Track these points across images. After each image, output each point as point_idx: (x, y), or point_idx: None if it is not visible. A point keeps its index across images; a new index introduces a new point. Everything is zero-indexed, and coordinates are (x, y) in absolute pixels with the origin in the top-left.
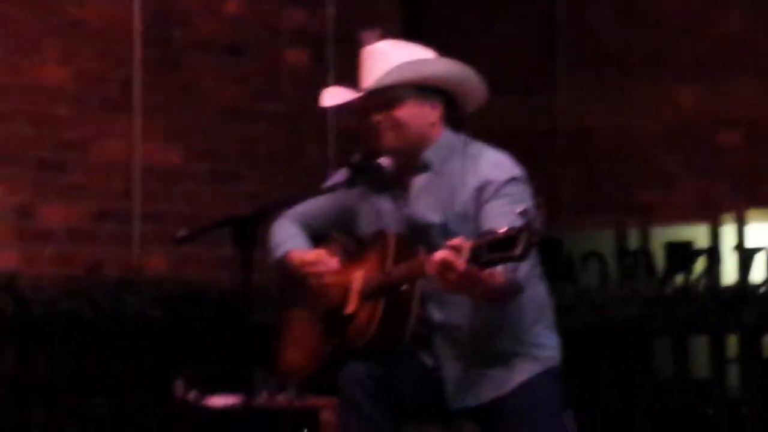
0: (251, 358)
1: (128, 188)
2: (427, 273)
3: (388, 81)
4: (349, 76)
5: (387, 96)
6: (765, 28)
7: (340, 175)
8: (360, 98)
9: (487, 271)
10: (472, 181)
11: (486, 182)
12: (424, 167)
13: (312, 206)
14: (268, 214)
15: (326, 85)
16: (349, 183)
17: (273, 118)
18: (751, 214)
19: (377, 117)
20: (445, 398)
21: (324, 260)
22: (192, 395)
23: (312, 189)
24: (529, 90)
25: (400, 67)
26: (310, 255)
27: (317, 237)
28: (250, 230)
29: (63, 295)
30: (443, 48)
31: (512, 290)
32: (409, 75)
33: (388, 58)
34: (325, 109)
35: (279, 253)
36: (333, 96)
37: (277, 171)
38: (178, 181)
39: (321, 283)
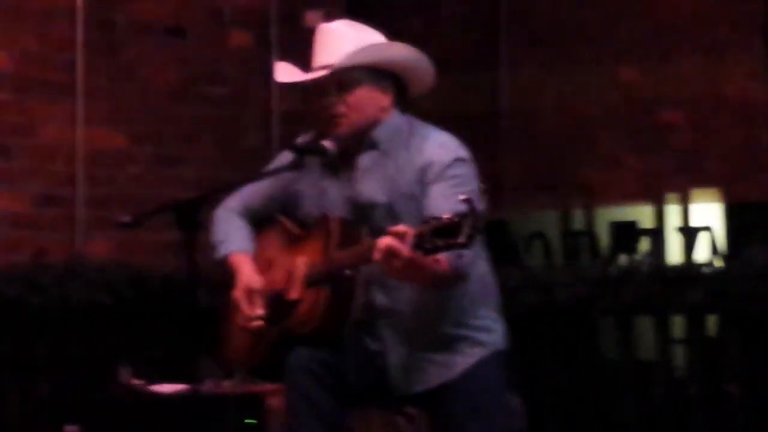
0: (197, 344)
1: (72, 173)
2: (371, 260)
3: (350, 62)
4: (292, 57)
5: (343, 78)
6: (708, 5)
7: (283, 158)
8: (319, 78)
9: (432, 258)
10: (418, 162)
11: (430, 163)
12: (371, 145)
13: (255, 190)
14: (211, 197)
15: (269, 66)
16: (292, 165)
17: (216, 101)
18: (695, 193)
19: (330, 99)
20: (390, 383)
21: (254, 300)
22: (137, 381)
23: (256, 172)
24: (471, 69)
25: (363, 49)
26: (244, 281)
27: (262, 220)
28: (194, 214)
29: (7, 281)
30: (385, 27)
31: (456, 277)
32: (369, 58)
33: (343, 38)
34: (268, 92)
35: (221, 253)
36: (286, 72)
37: (220, 154)
38: (122, 165)
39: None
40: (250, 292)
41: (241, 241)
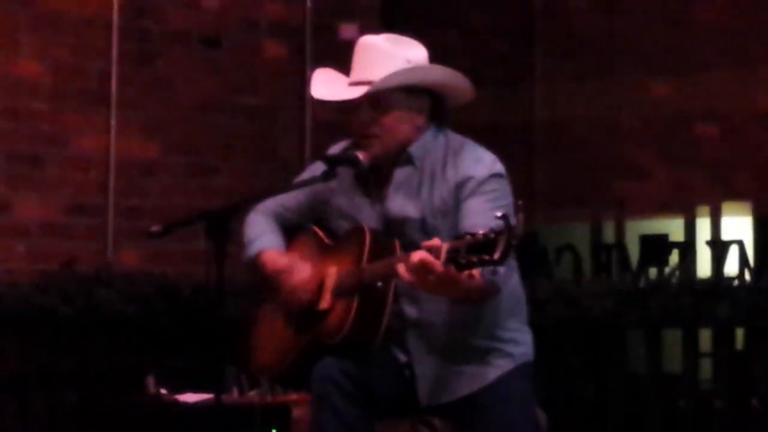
0: (224, 354)
1: (104, 182)
2: (404, 273)
3: (387, 84)
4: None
5: (379, 99)
6: (741, 20)
7: (315, 168)
8: (357, 98)
9: (466, 273)
10: (453, 177)
11: (466, 178)
12: (407, 161)
13: (288, 197)
14: (241, 208)
15: (303, 77)
16: (325, 176)
17: (249, 112)
18: (726, 207)
19: (365, 120)
20: (417, 394)
21: (296, 268)
22: (164, 391)
23: (288, 182)
24: (505, 81)
25: (401, 72)
26: (282, 262)
27: (293, 228)
28: (224, 225)
29: (37, 290)
30: (419, 39)
31: (491, 291)
32: (407, 80)
33: (384, 55)
34: (302, 103)
35: (252, 251)
36: (323, 87)
37: (253, 164)
38: (154, 174)
39: (292, 290)
40: (294, 265)
41: (273, 241)
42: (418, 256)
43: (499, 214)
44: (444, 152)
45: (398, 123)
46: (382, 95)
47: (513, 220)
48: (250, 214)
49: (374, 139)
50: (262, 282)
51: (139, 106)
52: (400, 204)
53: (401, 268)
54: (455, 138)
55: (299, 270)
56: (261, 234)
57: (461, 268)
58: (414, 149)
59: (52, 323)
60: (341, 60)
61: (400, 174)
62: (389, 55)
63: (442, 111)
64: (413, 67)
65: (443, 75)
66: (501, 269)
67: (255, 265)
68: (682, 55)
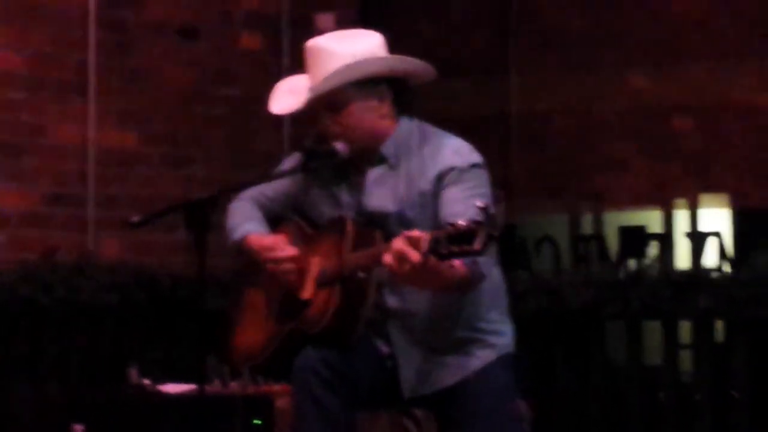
0: (205, 345)
1: (83, 172)
2: (383, 263)
3: (327, 86)
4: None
5: (331, 101)
6: (719, 12)
7: (294, 159)
8: (304, 106)
9: (447, 264)
10: (432, 169)
11: (445, 169)
12: (380, 160)
13: (268, 188)
14: (221, 198)
15: (281, 68)
16: (303, 167)
17: (227, 102)
18: (704, 199)
19: (325, 122)
20: (399, 386)
21: (281, 246)
22: (146, 382)
23: (266, 173)
24: (481, 73)
25: (339, 71)
26: (268, 240)
27: (275, 219)
28: (204, 215)
29: (17, 280)
30: (396, 30)
31: (471, 283)
32: (348, 77)
33: (329, 56)
34: None
35: (236, 235)
36: (279, 101)
37: (231, 155)
38: (133, 165)
39: (278, 268)
40: (277, 243)
41: (257, 226)
42: (397, 245)
43: (480, 204)
44: (419, 144)
45: (358, 117)
46: (332, 96)
47: (493, 210)
48: (233, 203)
49: (339, 137)
50: (246, 268)
51: (117, 96)
52: (377, 200)
53: (385, 256)
54: (429, 129)
55: (285, 248)
56: (246, 220)
57: (442, 258)
58: (386, 148)
59: (33, 313)
60: None
61: (374, 173)
62: (332, 55)
63: (406, 93)
64: (354, 62)
65: (386, 64)
66: (482, 259)
67: (240, 249)
68: (660, 47)
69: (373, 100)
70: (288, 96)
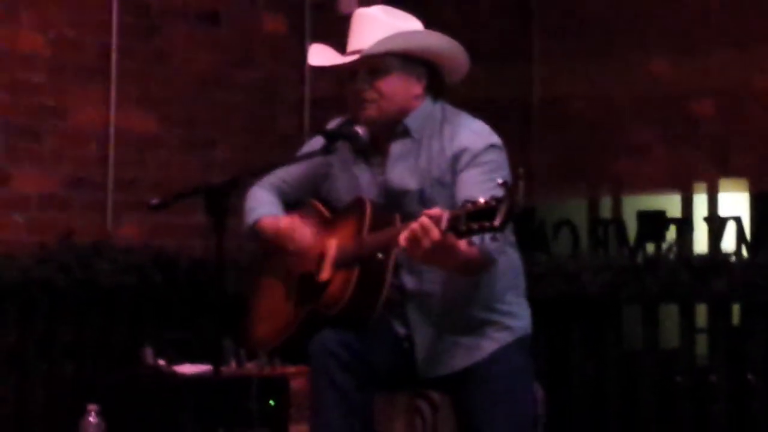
0: (221, 327)
1: (103, 155)
2: (401, 241)
3: (381, 48)
4: (325, 43)
5: (376, 64)
6: None
7: (315, 142)
8: (350, 62)
9: (464, 241)
10: (450, 149)
11: (463, 149)
12: (403, 133)
13: (288, 173)
14: (241, 182)
15: (303, 52)
16: (324, 150)
17: (248, 86)
18: (723, 183)
19: (361, 86)
20: (416, 367)
21: (297, 228)
22: (162, 362)
23: (287, 157)
24: (503, 59)
25: (395, 36)
26: (284, 222)
27: (293, 203)
28: (223, 199)
29: (36, 262)
30: (418, 15)
31: (485, 263)
32: (402, 45)
33: (378, 24)
34: (301, 77)
35: (252, 219)
36: (320, 55)
37: (251, 138)
38: (153, 148)
39: (294, 250)
40: (293, 224)
41: (273, 210)
42: (419, 221)
43: (500, 181)
44: (441, 124)
45: (395, 88)
46: (378, 60)
47: (514, 189)
48: (253, 188)
49: (371, 103)
50: (263, 251)
51: (139, 79)
52: (399, 176)
53: (402, 237)
54: (451, 110)
55: (301, 230)
56: (262, 204)
57: (461, 235)
58: (410, 120)
59: (50, 295)
60: (340, 34)
61: (397, 146)
62: (384, 24)
63: (440, 84)
64: (407, 31)
65: (439, 41)
66: (496, 240)
67: (255, 232)
68: (680, 33)
69: (413, 77)
70: (324, 54)
